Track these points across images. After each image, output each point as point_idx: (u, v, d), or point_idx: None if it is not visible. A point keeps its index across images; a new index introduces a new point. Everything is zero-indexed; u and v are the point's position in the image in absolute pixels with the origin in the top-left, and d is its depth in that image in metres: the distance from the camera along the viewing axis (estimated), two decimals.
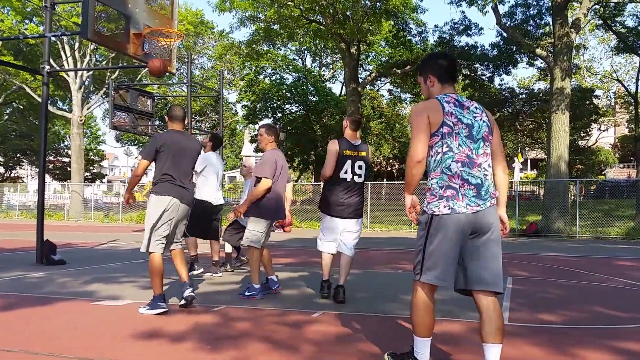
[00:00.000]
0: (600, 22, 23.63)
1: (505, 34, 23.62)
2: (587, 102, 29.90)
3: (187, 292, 4.86)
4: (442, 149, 2.97)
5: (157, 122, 25.09)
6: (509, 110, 31.86)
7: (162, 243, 4.94)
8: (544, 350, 3.75)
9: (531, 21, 24.09)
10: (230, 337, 4.01)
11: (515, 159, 32.26)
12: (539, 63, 27.31)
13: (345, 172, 5.30)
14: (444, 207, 2.92)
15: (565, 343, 3.95)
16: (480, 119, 3.05)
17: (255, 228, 5.49)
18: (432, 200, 2.98)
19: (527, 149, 44.71)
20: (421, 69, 3.25)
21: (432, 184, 3.01)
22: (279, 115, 34.55)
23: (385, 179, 44.86)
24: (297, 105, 34.54)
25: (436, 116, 2.98)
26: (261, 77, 35.43)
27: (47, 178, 43.34)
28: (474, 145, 2.98)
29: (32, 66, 26.25)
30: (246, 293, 5.57)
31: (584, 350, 3.74)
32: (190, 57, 16.98)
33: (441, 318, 4.71)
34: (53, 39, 20.84)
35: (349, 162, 5.30)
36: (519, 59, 25.80)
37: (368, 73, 31.00)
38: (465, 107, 3.05)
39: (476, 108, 3.08)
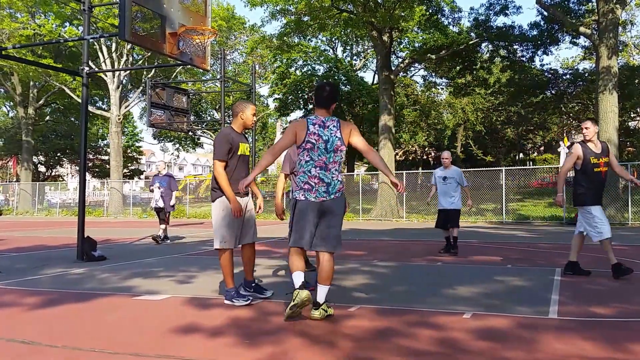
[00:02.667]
0: None
1: (545, 13, 22.98)
2: (637, 81, 28.88)
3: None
4: (305, 157, 4.35)
5: (192, 118, 25.53)
6: (553, 92, 31.06)
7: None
8: (598, 345, 3.58)
9: None
10: (267, 332, 3.99)
11: (561, 142, 31.44)
12: (583, 42, 26.52)
13: None
14: (302, 195, 4.33)
15: (620, 337, 3.77)
16: (334, 135, 4.32)
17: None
18: (296, 189, 4.39)
19: (573, 132, 43.56)
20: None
21: (297, 180, 4.38)
22: (311, 107, 34.55)
23: (421, 168, 44.47)
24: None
25: (301, 134, 4.33)
26: (292, 69, 35.45)
27: (87, 176, 44.38)
28: (327, 155, 4.31)
29: (71, 67, 26.99)
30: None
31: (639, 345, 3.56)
32: (223, 53, 17.10)
33: (485, 312, 4.58)
34: (91, 41, 21.29)
35: None
36: (561, 39, 25.05)
37: (401, 60, 30.64)
38: (326, 127, 4.34)
39: (334, 126, 4.35)
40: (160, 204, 11.95)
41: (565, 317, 4.43)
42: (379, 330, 4.03)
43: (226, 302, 5.00)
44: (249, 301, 4.94)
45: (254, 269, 5.39)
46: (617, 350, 3.46)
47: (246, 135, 5.31)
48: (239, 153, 4.98)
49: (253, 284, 5.32)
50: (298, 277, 4.37)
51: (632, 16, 32.16)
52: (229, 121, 39.41)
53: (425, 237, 13.58)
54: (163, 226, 12.08)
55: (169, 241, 12.16)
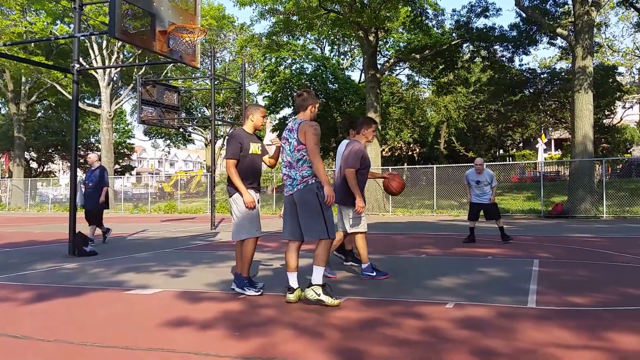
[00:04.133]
0: None
1: (524, 15, 23.09)
2: (610, 80, 29.18)
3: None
4: (280, 158, 4.93)
5: (183, 115, 25.39)
6: (531, 90, 31.27)
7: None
8: (574, 333, 3.62)
9: (550, 0, 23.49)
10: (256, 324, 3.98)
11: (539, 139, 31.70)
12: (560, 42, 26.69)
13: None
14: (285, 192, 4.79)
15: (595, 326, 3.81)
16: (293, 137, 4.68)
17: (357, 215, 5.88)
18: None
19: (550, 129, 43.95)
20: None
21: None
22: None
23: (406, 164, 44.63)
24: (317, 93, 34.41)
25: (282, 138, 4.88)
26: (281, 67, 35.34)
27: (78, 172, 43.81)
28: (290, 154, 4.71)
29: (62, 65, 26.70)
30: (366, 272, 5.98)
31: (615, 333, 3.60)
32: (213, 51, 16.98)
33: (467, 303, 4.61)
34: (82, 38, 21.05)
35: None
36: (539, 39, 25.21)
37: (386, 59, 30.66)
38: (292, 129, 4.73)
39: (295, 129, 4.69)
40: (86, 201, 10.34)
41: (543, 306, 4.47)
42: (365, 321, 4.04)
43: (236, 289, 5.14)
44: (260, 292, 5.06)
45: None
46: (592, 339, 3.50)
47: (258, 135, 5.52)
48: (250, 152, 5.16)
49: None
50: (289, 277, 4.76)
51: (606, 18, 32.44)
52: (219, 118, 39.22)
53: (410, 230, 13.64)
54: (93, 227, 10.29)
55: (93, 244, 9.42)
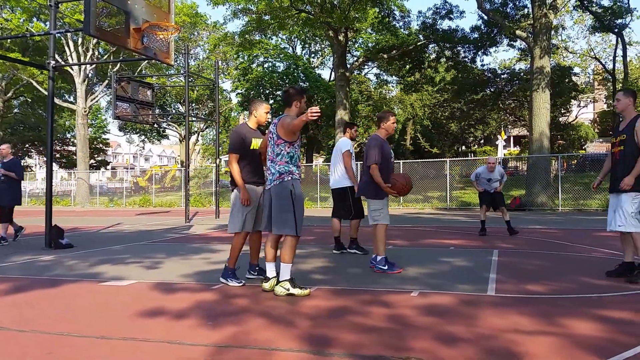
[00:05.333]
0: (577, 2, 23.38)
1: (486, 17, 23.39)
2: (567, 80, 29.79)
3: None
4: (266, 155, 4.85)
5: (157, 111, 25.04)
6: (492, 90, 31.73)
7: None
8: (532, 319, 3.69)
9: (510, 4, 23.83)
10: (230, 314, 3.96)
11: (499, 136, 32.21)
12: (519, 44, 27.12)
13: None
14: (266, 186, 4.79)
15: (551, 312, 3.90)
16: (275, 132, 4.67)
17: (378, 207, 5.83)
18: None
19: (509, 126, 44.70)
20: None
21: None
22: (272, 101, 34.33)
23: None
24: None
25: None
26: (254, 65, 35.10)
27: (54, 166, 43.22)
28: (272, 148, 4.69)
29: (38, 61, 26.04)
30: (379, 266, 5.74)
31: (570, 319, 3.69)
32: (187, 49, 16.76)
33: (431, 291, 4.67)
34: (57, 35, 20.56)
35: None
36: (500, 41, 25.59)
37: (356, 59, 30.74)
38: (275, 124, 4.70)
39: (274, 124, 4.72)
40: None
41: (502, 294, 4.55)
42: (334, 309, 4.06)
43: (221, 279, 5.13)
44: (242, 283, 5.07)
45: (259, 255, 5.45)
46: (547, 324, 3.58)
47: (262, 130, 5.45)
48: (251, 147, 5.07)
49: (257, 267, 5.43)
50: (267, 266, 4.83)
51: (562, 21, 33.11)
52: (193, 114, 38.75)
53: None
54: (5, 225, 9.32)
55: (6, 243, 9.10)
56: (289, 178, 4.62)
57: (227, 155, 5.05)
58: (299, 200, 4.63)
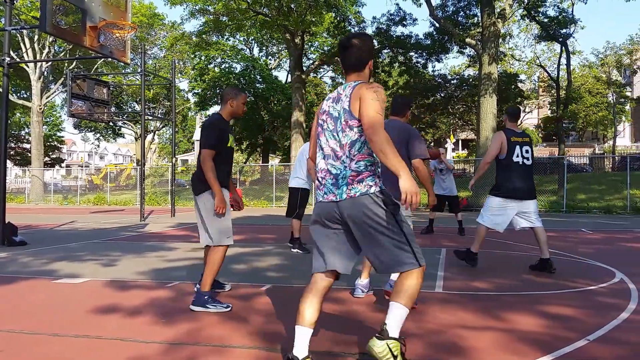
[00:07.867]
0: (524, 12, 24.13)
1: (437, 25, 23.85)
2: (513, 87, 30.69)
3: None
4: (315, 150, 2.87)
5: (113, 109, 24.38)
6: (442, 95, 32.39)
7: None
8: (477, 315, 3.79)
9: (461, 12, 24.42)
10: (184, 311, 3.92)
11: (448, 139, 32.94)
12: (469, 51, 27.78)
13: (517, 157, 5.61)
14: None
15: (496, 308, 4.01)
16: (341, 107, 2.63)
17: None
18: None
19: (458, 130, 45.72)
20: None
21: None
22: None
23: None
24: (246, 92, 34.07)
25: (315, 119, 2.87)
26: (211, 66, 34.66)
27: (8, 164, 41.44)
28: (336, 136, 2.64)
29: None
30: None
31: (513, 315, 3.80)
32: (143, 48, 16.39)
33: (380, 288, 4.71)
34: (13, 32, 19.73)
35: (517, 147, 5.61)
36: (451, 48, 26.15)
37: (312, 62, 30.78)
38: (337, 98, 2.70)
39: (346, 96, 2.64)
40: None
41: (449, 291, 4.65)
42: (287, 306, 4.05)
43: (195, 308, 3.95)
44: (229, 308, 3.98)
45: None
46: (492, 319, 3.68)
47: (232, 126, 4.57)
48: (228, 145, 4.18)
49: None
50: (298, 336, 2.62)
51: (509, 30, 34.05)
52: (149, 113, 37.88)
53: None
54: None
55: None
56: (375, 182, 2.63)
57: (199, 152, 4.08)
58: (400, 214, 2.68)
